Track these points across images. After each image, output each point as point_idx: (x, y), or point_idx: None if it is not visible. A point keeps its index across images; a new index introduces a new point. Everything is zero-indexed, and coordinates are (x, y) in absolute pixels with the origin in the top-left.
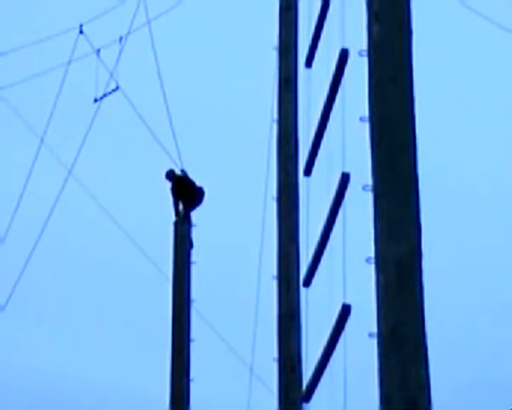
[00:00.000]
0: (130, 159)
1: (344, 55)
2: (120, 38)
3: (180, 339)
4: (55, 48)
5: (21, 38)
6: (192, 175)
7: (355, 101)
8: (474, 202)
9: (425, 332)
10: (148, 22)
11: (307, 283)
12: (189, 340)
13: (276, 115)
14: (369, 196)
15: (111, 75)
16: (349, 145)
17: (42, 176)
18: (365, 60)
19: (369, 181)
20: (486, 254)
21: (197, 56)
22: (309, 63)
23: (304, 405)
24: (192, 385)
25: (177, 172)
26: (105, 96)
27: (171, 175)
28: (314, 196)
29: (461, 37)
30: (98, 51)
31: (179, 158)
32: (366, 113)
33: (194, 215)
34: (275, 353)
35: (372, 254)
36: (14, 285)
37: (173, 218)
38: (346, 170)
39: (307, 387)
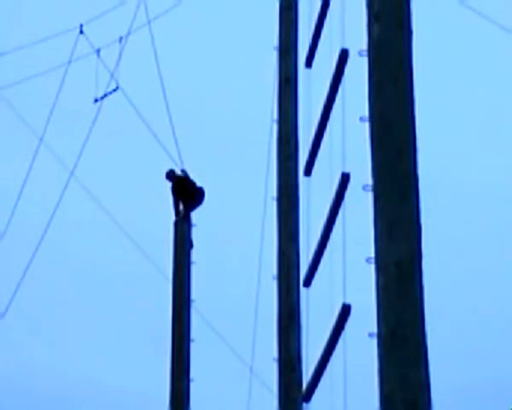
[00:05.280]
0: (130, 159)
1: (344, 56)
2: (120, 38)
3: (180, 339)
4: (55, 48)
5: (21, 38)
6: (192, 175)
7: (355, 101)
8: (475, 201)
9: (425, 332)
10: (148, 22)
11: (307, 283)
12: (189, 340)
13: (276, 115)
14: (369, 196)
15: (111, 75)
16: (349, 145)
17: (41, 176)
18: (365, 60)
19: (369, 181)
20: (486, 254)
21: (197, 56)
22: (309, 63)
23: (304, 405)
24: (192, 385)
25: (178, 172)
26: (105, 96)
27: (171, 175)
28: (314, 196)
29: (461, 37)
30: (98, 51)
31: (179, 158)
32: (366, 113)
33: (194, 215)
34: (275, 353)
35: (372, 254)
36: (16, 290)
37: (173, 218)
38: (346, 170)
39: (307, 387)
